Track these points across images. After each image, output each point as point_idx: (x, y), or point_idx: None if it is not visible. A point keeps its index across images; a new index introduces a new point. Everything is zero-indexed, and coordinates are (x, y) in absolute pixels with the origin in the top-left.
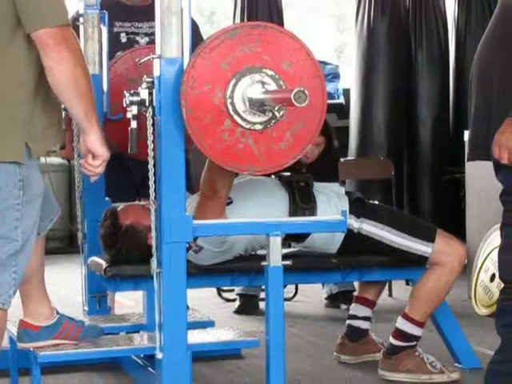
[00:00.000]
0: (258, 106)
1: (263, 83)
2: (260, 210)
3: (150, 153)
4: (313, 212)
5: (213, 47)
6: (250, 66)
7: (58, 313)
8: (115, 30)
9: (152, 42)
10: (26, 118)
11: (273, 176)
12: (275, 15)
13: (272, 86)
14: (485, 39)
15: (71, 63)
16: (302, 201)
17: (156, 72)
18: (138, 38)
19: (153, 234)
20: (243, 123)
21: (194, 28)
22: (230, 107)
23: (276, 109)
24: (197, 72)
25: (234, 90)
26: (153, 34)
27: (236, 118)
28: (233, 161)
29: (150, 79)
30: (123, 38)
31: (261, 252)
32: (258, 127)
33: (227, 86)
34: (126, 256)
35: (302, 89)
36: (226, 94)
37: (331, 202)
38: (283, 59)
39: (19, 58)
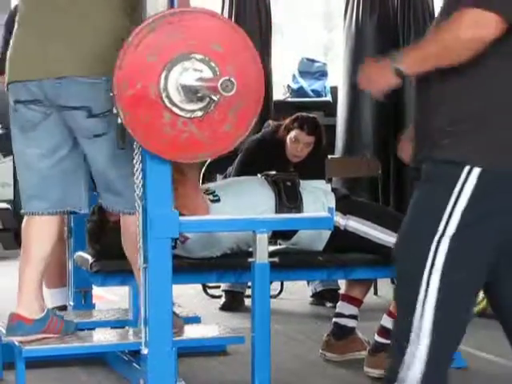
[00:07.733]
0: (193, 93)
1: (195, 69)
2: (248, 210)
3: (136, 148)
4: (299, 211)
5: (136, 44)
6: (179, 54)
7: None
8: None
9: None
10: None
11: (259, 175)
12: (263, 13)
13: (205, 70)
14: None
15: None
16: (288, 200)
17: None
18: None
19: (139, 229)
20: (183, 113)
21: None
22: (166, 100)
23: (212, 93)
24: (125, 72)
25: (167, 82)
26: None
27: (174, 109)
28: (180, 152)
29: None
30: None
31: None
32: (199, 114)
33: (159, 79)
34: (110, 252)
35: (227, 78)
36: (160, 87)
37: (317, 200)
38: (211, 40)
39: None
